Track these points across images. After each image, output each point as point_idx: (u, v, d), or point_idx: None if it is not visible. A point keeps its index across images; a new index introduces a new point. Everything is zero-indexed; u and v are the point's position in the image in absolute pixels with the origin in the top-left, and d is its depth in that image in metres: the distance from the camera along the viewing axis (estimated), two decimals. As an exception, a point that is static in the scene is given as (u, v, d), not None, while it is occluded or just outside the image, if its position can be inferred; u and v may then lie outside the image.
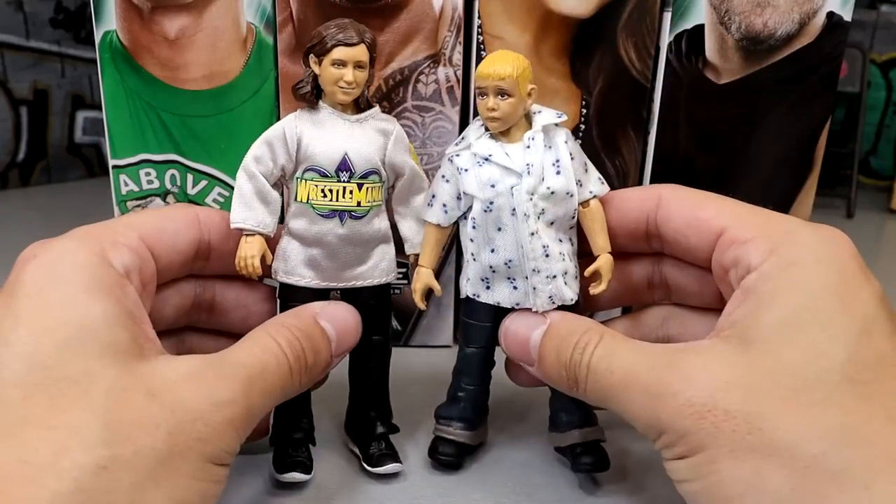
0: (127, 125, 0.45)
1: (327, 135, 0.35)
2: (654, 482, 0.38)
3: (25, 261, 0.30)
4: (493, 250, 0.36)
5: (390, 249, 0.38)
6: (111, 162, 0.46)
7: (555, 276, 0.35)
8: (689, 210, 0.35)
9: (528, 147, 0.35)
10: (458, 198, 0.36)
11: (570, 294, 0.36)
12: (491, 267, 0.36)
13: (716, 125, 0.45)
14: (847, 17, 0.44)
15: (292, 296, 0.37)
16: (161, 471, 0.27)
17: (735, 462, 0.28)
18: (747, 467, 0.28)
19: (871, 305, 0.30)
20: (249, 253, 0.35)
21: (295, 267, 0.36)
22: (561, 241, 0.36)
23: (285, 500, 0.36)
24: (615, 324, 0.40)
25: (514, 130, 0.35)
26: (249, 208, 0.35)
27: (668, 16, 0.44)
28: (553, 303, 0.36)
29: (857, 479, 0.26)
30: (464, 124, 0.46)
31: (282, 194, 0.36)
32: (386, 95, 0.45)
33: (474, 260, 0.36)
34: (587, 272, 0.36)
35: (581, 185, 0.36)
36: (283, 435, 0.37)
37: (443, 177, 0.37)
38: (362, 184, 0.35)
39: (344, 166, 0.35)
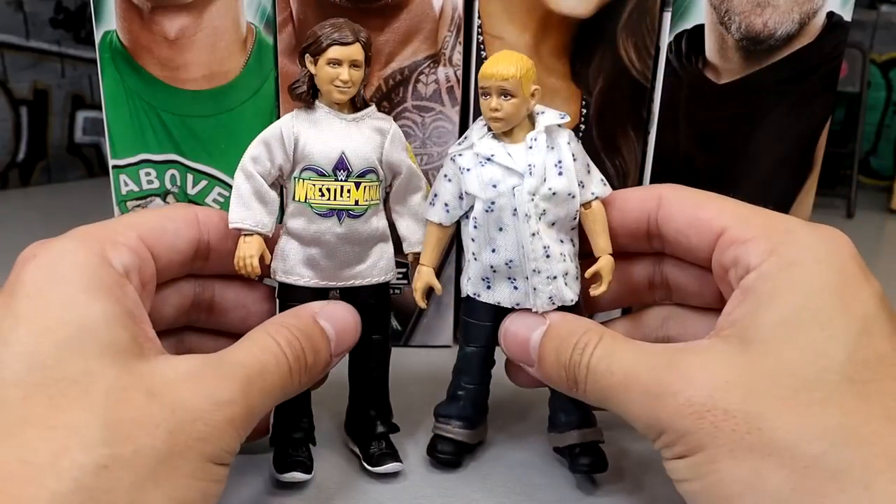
0: (127, 125, 0.45)
1: (324, 134, 0.35)
2: (653, 482, 0.38)
3: (25, 261, 0.30)
4: (493, 250, 0.36)
5: (389, 248, 0.38)
6: (111, 162, 0.46)
7: (555, 277, 0.35)
8: (690, 210, 0.35)
9: (531, 148, 0.35)
10: (460, 197, 0.36)
11: (571, 295, 0.36)
12: (492, 267, 0.36)
13: (716, 125, 0.45)
14: (847, 17, 0.44)
15: (291, 295, 0.37)
16: (161, 470, 0.27)
17: (734, 462, 0.28)
18: (747, 467, 0.28)
19: (871, 305, 0.30)
20: (248, 253, 0.35)
21: (294, 266, 0.36)
22: (562, 241, 0.36)
23: (285, 500, 0.36)
24: (615, 324, 0.40)
25: (517, 131, 0.35)
26: (247, 208, 0.35)
27: (668, 16, 0.44)
28: (553, 303, 0.36)
29: (857, 478, 0.26)
30: (464, 124, 0.46)
31: (280, 194, 0.36)
32: (386, 95, 0.45)
33: (475, 259, 0.37)
34: (587, 273, 0.36)
35: (583, 187, 0.36)
36: (283, 435, 0.37)
37: (445, 176, 0.37)
38: (360, 183, 0.35)
39: (341, 165, 0.35)
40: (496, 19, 0.43)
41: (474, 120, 0.43)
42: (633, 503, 0.37)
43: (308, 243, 0.36)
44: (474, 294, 0.37)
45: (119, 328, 0.29)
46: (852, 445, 0.27)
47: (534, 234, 0.35)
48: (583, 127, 0.46)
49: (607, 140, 0.46)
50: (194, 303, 0.37)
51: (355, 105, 0.36)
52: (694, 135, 0.46)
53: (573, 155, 0.35)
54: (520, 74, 0.34)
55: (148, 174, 0.46)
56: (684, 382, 0.30)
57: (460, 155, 0.36)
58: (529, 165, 0.35)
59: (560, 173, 0.35)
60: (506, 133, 0.35)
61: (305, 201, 0.35)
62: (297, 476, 0.36)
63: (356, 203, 0.35)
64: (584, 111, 0.45)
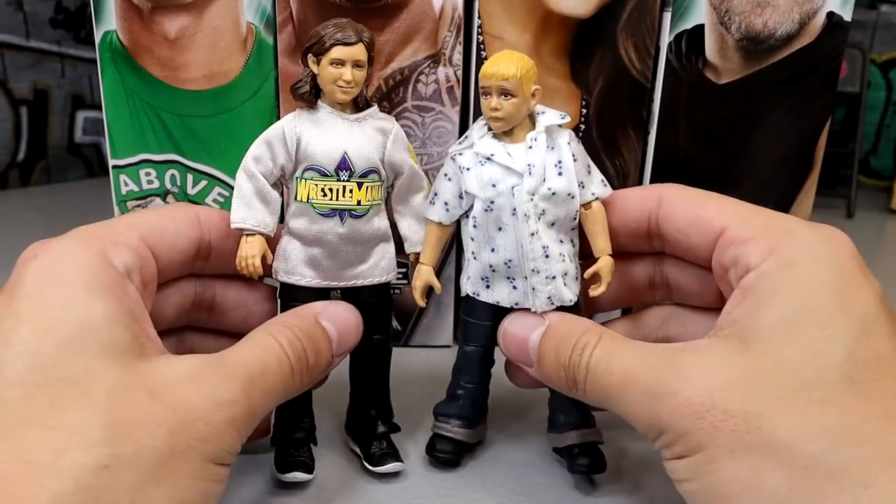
0: (127, 125, 0.45)
1: (327, 134, 0.35)
2: (652, 482, 0.38)
3: (26, 261, 0.30)
4: (493, 250, 0.36)
5: (390, 248, 0.38)
6: (111, 162, 0.46)
7: (554, 277, 0.35)
8: (690, 209, 0.35)
9: (531, 148, 0.35)
10: (460, 196, 0.36)
11: (570, 295, 0.36)
12: (491, 266, 0.36)
13: (716, 125, 0.45)
14: (847, 17, 0.44)
15: (293, 295, 0.37)
16: (162, 470, 0.27)
17: (734, 461, 0.28)
18: (746, 466, 0.28)
19: (871, 305, 0.30)
20: (250, 253, 0.35)
21: (295, 266, 0.36)
22: (562, 241, 0.36)
23: (286, 500, 0.36)
24: (615, 325, 0.40)
25: (518, 131, 0.35)
26: (249, 208, 0.35)
27: (668, 16, 0.44)
28: (552, 304, 0.36)
29: (856, 478, 0.26)
30: (464, 124, 0.46)
31: (281, 194, 0.36)
32: (386, 95, 0.45)
33: (475, 259, 0.37)
34: (587, 274, 0.36)
35: (583, 187, 0.36)
36: (284, 435, 0.37)
37: (445, 175, 0.37)
38: (362, 183, 0.35)
39: (343, 165, 0.35)
40: (496, 19, 0.43)
41: (474, 120, 0.43)
42: (632, 503, 0.37)
43: (310, 243, 0.36)
44: (473, 293, 0.37)
45: (120, 328, 0.29)
46: (851, 445, 0.27)
47: (533, 234, 0.35)
48: (583, 127, 0.46)
49: (607, 140, 0.46)
50: (195, 302, 0.37)
51: (358, 105, 0.36)
52: (694, 135, 0.46)
53: (573, 155, 0.35)
54: (520, 74, 0.34)
55: (148, 174, 0.46)
56: (684, 382, 0.30)
57: (460, 154, 0.36)
58: (529, 165, 0.35)
59: (560, 173, 0.35)
60: (506, 133, 0.36)
61: (307, 201, 0.35)
62: (298, 476, 0.36)
63: (358, 203, 0.35)
64: (584, 111, 0.45)
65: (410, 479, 0.38)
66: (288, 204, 0.37)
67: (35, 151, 0.76)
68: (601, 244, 0.36)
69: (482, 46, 0.44)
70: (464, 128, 0.45)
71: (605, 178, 0.37)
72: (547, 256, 0.35)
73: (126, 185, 0.46)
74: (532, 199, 0.35)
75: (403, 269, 0.46)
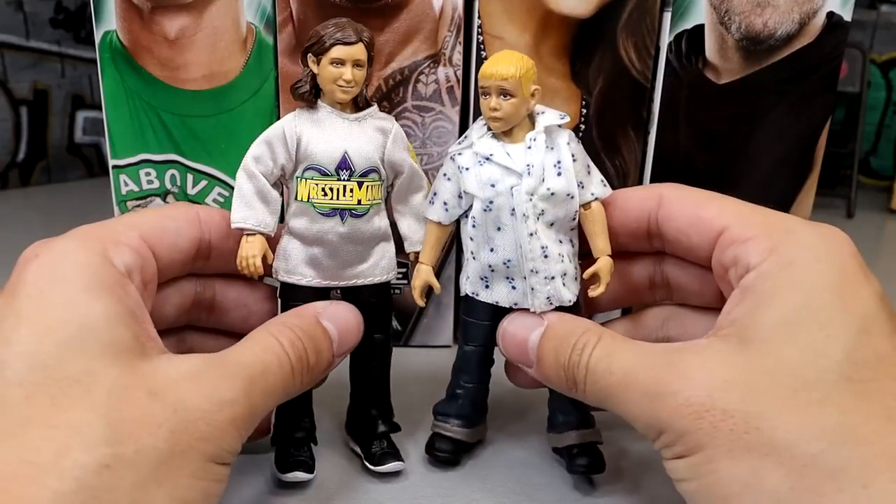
0: (127, 125, 0.45)
1: (327, 134, 0.35)
2: (652, 482, 0.38)
3: (27, 261, 0.30)
4: (492, 249, 0.36)
5: (390, 247, 0.38)
6: (111, 162, 0.46)
7: (553, 278, 0.35)
8: (690, 209, 0.35)
9: (530, 148, 0.35)
10: (460, 196, 0.36)
11: (569, 296, 0.36)
12: (490, 266, 0.36)
13: (716, 125, 0.45)
14: (847, 17, 0.44)
15: (293, 295, 0.37)
16: (163, 470, 0.27)
17: (733, 461, 0.28)
18: (745, 466, 0.28)
19: (871, 304, 0.30)
20: (251, 252, 0.35)
21: (296, 266, 0.36)
22: (561, 242, 0.36)
23: (286, 500, 0.36)
24: (615, 325, 0.40)
25: (517, 131, 0.35)
26: (250, 208, 0.35)
27: (668, 16, 0.44)
28: (551, 304, 0.36)
29: (855, 477, 0.26)
30: (464, 124, 0.46)
31: (281, 194, 0.36)
32: (386, 95, 0.45)
33: (474, 258, 0.37)
34: (586, 275, 0.36)
35: (583, 187, 0.36)
36: (284, 434, 0.37)
37: (444, 175, 0.37)
38: (362, 182, 0.35)
39: (344, 165, 0.35)
40: (496, 19, 0.43)
41: (474, 120, 0.43)
42: (631, 503, 0.37)
43: (310, 243, 0.36)
44: (473, 293, 0.37)
45: (121, 328, 0.29)
46: (850, 445, 0.27)
47: (532, 235, 0.35)
48: (583, 127, 0.46)
49: (607, 140, 0.46)
50: (195, 302, 0.37)
51: (357, 105, 0.36)
52: (694, 135, 0.46)
53: (573, 155, 0.35)
54: (519, 74, 0.34)
55: (148, 174, 0.46)
56: (683, 382, 0.30)
57: (460, 154, 0.36)
58: (528, 165, 0.35)
59: (559, 174, 0.35)
60: (505, 133, 0.36)
61: (308, 201, 0.35)
62: (299, 476, 0.36)
63: (359, 202, 0.35)
64: (584, 111, 0.45)
65: (411, 479, 0.38)
66: (288, 204, 0.37)
67: (35, 151, 0.76)
68: (600, 244, 0.36)
69: (482, 46, 0.44)
70: (464, 128, 0.45)
71: (604, 179, 0.37)
72: (546, 257, 0.35)
73: (126, 185, 0.47)
74: (531, 200, 0.35)
75: (403, 269, 0.46)
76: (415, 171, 0.37)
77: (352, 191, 0.35)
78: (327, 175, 0.35)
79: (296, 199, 0.36)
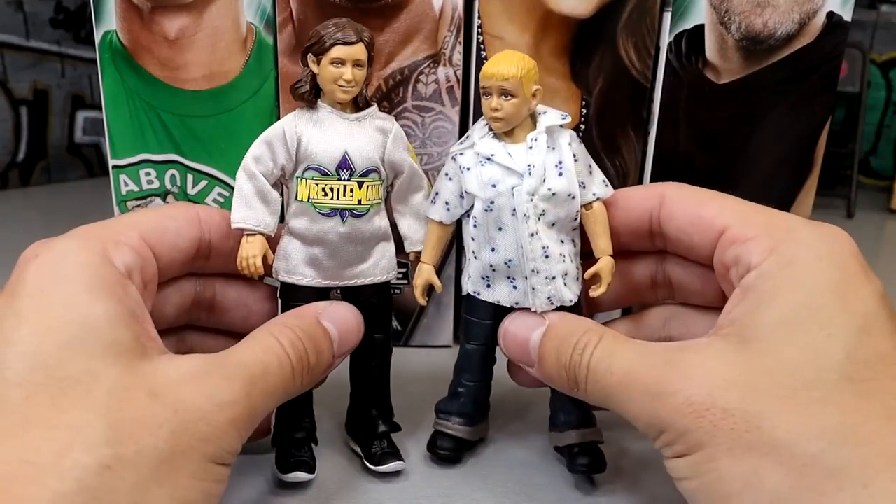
0: (127, 125, 0.45)
1: (327, 134, 0.35)
2: (652, 482, 0.38)
3: (27, 260, 0.30)
4: (493, 249, 0.36)
5: (390, 247, 0.38)
6: (111, 162, 0.46)
7: (554, 278, 0.35)
8: (692, 208, 0.35)
9: (531, 148, 0.35)
10: (461, 196, 0.36)
11: (570, 295, 0.36)
12: (491, 266, 0.36)
13: (716, 125, 0.45)
14: (847, 17, 0.44)
15: (294, 295, 0.37)
16: (163, 470, 0.27)
17: (733, 460, 0.28)
18: (745, 465, 0.28)
19: (872, 304, 0.30)
20: (251, 253, 0.35)
21: (296, 266, 0.36)
22: (562, 242, 0.36)
23: (286, 500, 0.36)
24: (617, 324, 0.40)
25: (518, 131, 0.35)
26: (250, 208, 0.35)
27: (668, 16, 0.44)
28: (552, 304, 0.36)
29: (856, 477, 0.26)
30: (464, 124, 0.46)
31: (281, 194, 0.36)
32: (386, 95, 0.45)
33: (475, 258, 0.37)
34: (587, 275, 0.36)
35: (584, 188, 0.36)
36: (285, 435, 0.37)
37: (446, 175, 0.37)
38: (363, 182, 0.35)
39: (344, 164, 0.35)
40: (496, 19, 0.43)
41: (474, 120, 0.43)
42: (632, 503, 0.37)
43: (311, 243, 0.36)
44: (474, 292, 0.37)
45: (121, 328, 0.29)
46: (851, 444, 0.27)
47: (532, 235, 0.35)
48: (583, 127, 0.46)
49: (607, 140, 0.46)
50: (195, 302, 0.37)
51: (357, 104, 0.36)
52: (694, 135, 0.46)
53: (574, 155, 0.35)
54: (520, 74, 0.34)
55: (148, 174, 0.46)
56: (684, 381, 0.30)
57: (461, 154, 0.36)
58: (529, 166, 0.35)
59: (560, 174, 0.35)
60: (507, 133, 0.36)
61: (308, 201, 0.35)
62: (300, 476, 0.36)
63: (359, 202, 0.35)
64: (584, 111, 0.45)
65: (411, 479, 0.38)
66: (288, 204, 0.37)
67: (35, 151, 0.76)
68: (602, 245, 0.36)
69: (482, 46, 0.44)
70: (464, 128, 0.45)
71: (606, 179, 0.37)
72: (547, 257, 0.35)
73: (126, 185, 0.46)
74: (532, 200, 0.35)
75: (403, 269, 0.46)
76: (414, 171, 0.38)
77: (352, 191, 0.35)
78: (327, 175, 0.35)
79: (296, 199, 0.36)
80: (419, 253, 0.38)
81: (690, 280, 0.37)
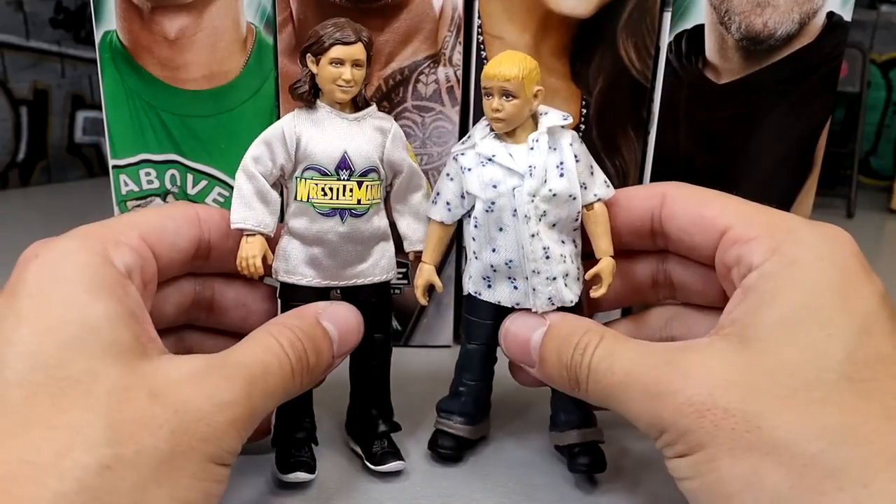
0: (127, 125, 0.45)
1: (326, 133, 0.35)
2: (653, 481, 0.38)
3: (27, 260, 0.30)
4: (494, 250, 0.36)
5: (390, 247, 0.38)
6: (111, 162, 0.46)
7: (555, 278, 0.35)
8: (693, 208, 0.35)
9: (532, 149, 0.35)
10: (462, 196, 0.36)
11: (571, 296, 0.36)
12: (492, 266, 0.36)
13: (716, 125, 0.45)
14: (847, 17, 0.44)
15: (293, 295, 0.37)
16: (164, 470, 0.27)
17: (734, 460, 0.28)
18: (746, 465, 0.28)
19: (872, 304, 0.30)
20: (251, 253, 0.35)
21: (296, 266, 0.36)
22: (563, 242, 0.36)
23: (286, 500, 0.36)
24: (618, 325, 0.40)
25: (520, 131, 0.35)
26: (250, 208, 0.35)
27: (668, 16, 0.44)
28: (552, 304, 0.36)
29: (856, 477, 0.26)
30: (464, 124, 0.46)
31: (281, 194, 0.36)
32: (386, 95, 0.45)
33: (476, 258, 0.37)
34: (588, 276, 0.36)
35: (585, 188, 0.36)
36: (285, 435, 0.37)
37: (447, 175, 0.37)
38: (362, 182, 0.35)
39: (344, 164, 0.35)
40: (496, 19, 0.43)
41: (475, 120, 0.43)
42: (632, 502, 0.37)
43: (310, 243, 0.36)
44: (475, 293, 0.37)
45: (121, 328, 0.29)
46: (851, 444, 0.27)
47: (533, 235, 0.35)
48: (583, 127, 0.46)
49: (607, 140, 0.46)
50: (195, 301, 0.37)
51: (356, 104, 0.36)
52: (694, 135, 0.46)
53: (576, 156, 0.35)
54: (522, 75, 0.34)
55: (148, 174, 0.46)
56: (684, 381, 0.30)
57: (462, 154, 0.36)
58: (530, 166, 0.35)
59: (561, 175, 0.35)
60: (508, 133, 0.36)
61: (307, 201, 0.35)
62: (301, 476, 0.36)
63: (358, 202, 0.35)
64: (584, 111, 0.45)
65: (411, 479, 0.38)
66: (287, 204, 0.37)
67: (35, 151, 0.76)
68: (603, 245, 0.36)
69: (482, 46, 0.44)
70: (464, 128, 0.45)
71: (608, 180, 0.37)
72: (548, 258, 0.35)
73: (126, 185, 0.46)
74: (533, 201, 0.35)
75: (403, 269, 0.46)
76: (414, 171, 0.38)
77: (351, 190, 0.35)
78: (327, 175, 0.35)
79: (295, 199, 0.36)
80: (418, 252, 0.38)
81: (692, 280, 0.37)
